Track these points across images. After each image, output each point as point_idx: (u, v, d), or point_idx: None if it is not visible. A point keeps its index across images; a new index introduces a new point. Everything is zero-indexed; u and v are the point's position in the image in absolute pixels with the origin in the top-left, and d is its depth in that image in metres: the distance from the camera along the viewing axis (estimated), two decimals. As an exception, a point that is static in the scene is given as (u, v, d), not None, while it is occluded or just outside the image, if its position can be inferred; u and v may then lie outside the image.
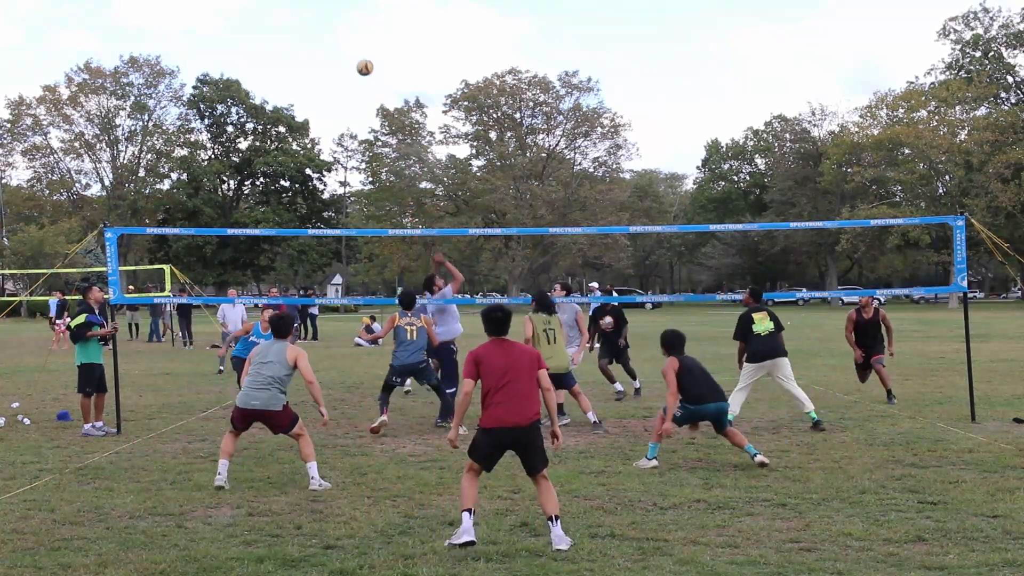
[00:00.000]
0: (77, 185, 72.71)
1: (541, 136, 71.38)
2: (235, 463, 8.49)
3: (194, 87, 72.94)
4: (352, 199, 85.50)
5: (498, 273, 72.08)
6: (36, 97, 68.88)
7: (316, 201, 77.54)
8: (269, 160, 72.50)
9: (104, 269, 12.76)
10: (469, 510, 5.77)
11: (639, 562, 5.37)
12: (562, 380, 10.32)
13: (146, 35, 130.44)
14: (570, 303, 12.11)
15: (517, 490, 7.15)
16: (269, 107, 74.74)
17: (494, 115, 70.31)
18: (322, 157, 78.57)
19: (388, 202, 72.29)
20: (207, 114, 74.10)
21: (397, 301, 11.00)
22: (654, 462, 8.13)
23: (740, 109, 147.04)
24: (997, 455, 8.34)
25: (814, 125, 77.34)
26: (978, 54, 67.58)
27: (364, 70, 11.40)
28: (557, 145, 70.92)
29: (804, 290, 67.20)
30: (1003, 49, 67.63)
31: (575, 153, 71.67)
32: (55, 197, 72.91)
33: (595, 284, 29.82)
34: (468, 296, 62.32)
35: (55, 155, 71.00)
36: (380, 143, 72.96)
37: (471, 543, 5.65)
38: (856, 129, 69.35)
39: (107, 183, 70.85)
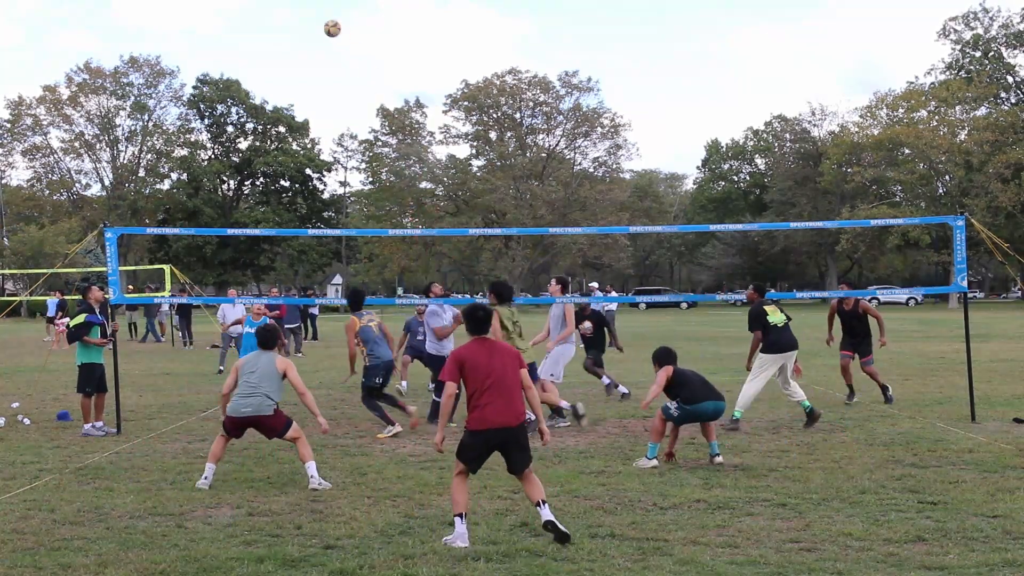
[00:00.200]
0: (77, 185, 72.82)
1: (541, 136, 71.44)
2: (235, 463, 8.51)
3: (194, 87, 73.01)
4: (352, 199, 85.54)
5: (498, 273, 71.95)
6: (36, 97, 69.04)
7: (316, 201, 77.55)
8: (269, 160, 72.51)
9: (104, 269, 12.75)
10: (461, 515, 5.78)
11: (639, 562, 5.37)
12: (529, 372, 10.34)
13: (146, 35, 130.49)
14: (554, 298, 11.75)
15: (517, 490, 7.14)
16: (269, 107, 74.78)
17: (494, 115, 70.34)
18: (322, 157, 78.61)
19: (388, 202, 72.33)
20: (207, 114, 74.11)
21: (347, 303, 10.80)
22: (654, 462, 8.14)
23: (740, 109, 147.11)
24: (997, 455, 8.34)
25: (814, 125, 77.44)
26: (978, 54, 67.59)
27: (332, 31, 11.26)
28: (557, 145, 70.95)
29: (795, 292, 67.18)
30: (1003, 49, 67.64)
31: (575, 153, 71.72)
32: (55, 197, 72.96)
33: (595, 284, 29.88)
34: (468, 296, 62.22)
35: (55, 155, 71.08)
36: (380, 143, 73.01)
37: (464, 548, 5.66)
38: (856, 129, 69.38)
39: (107, 183, 70.90)
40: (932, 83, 68.64)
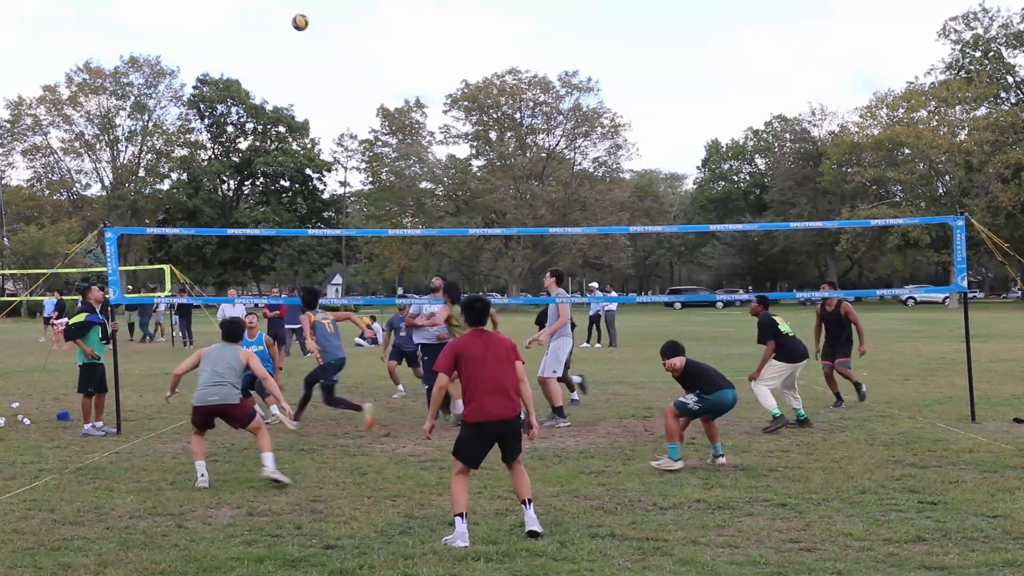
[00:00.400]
0: (77, 185, 72.89)
1: (541, 136, 71.46)
2: (235, 463, 8.51)
3: (194, 87, 73.07)
4: (352, 199, 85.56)
5: (498, 273, 72.15)
6: (36, 97, 69.10)
7: (316, 201, 77.59)
8: (269, 160, 72.53)
9: (104, 269, 12.75)
10: (462, 514, 5.79)
11: (639, 562, 5.37)
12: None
13: (146, 35, 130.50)
14: (554, 298, 11.67)
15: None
16: (269, 107, 74.81)
17: (494, 115, 70.36)
18: (322, 157, 78.67)
19: (388, 202, 72.36)
20: (207, 114, 74.14)
21: (301, 302, 10.84)
22: (680, 463, 7.88)
23: (740, 109, 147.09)
24: (997, 455, 8.34)
25: (814, 125, 77.48)
26: (978, 54, 67.61)
27: (300, 24, 11.27)
28: (557, 145, 70.96)
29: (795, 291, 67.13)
30: (1003, 49, 67.65)
31: (575, 153, 71.75)
32: (55, 197, 73.00)
33: (595, 284, 29.89)
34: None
35: (55, 155, 71.15)
36: (380, 143, 73.04)
37: (464, 548, 5.68)
38: (856, 129, 69.40)
39: (107, 183, 70.94)
40: (932, 83, 68.65)
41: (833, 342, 11.99)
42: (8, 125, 68.99)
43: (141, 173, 71.56)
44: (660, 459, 8.02)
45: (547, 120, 70.33)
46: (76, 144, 70.01)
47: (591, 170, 71.41)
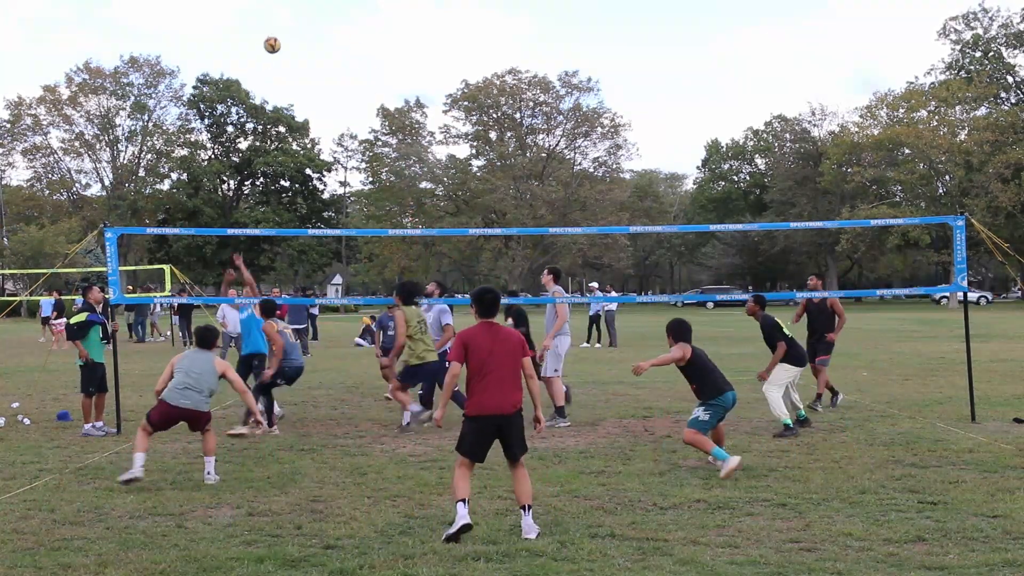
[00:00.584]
0: (77, 185, 72.83)
1: (541, 136, 71.46)
2: (235, 463, 8.51)
3: (194, 87, 73.02)
4: (352, 199, 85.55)
5: (498, 273, 72.09)
6: (36, 97, 69.05)
7: (316, 201, 77.56)
8: (269, 160, 72.52)
9: (104, 269, 12.76)
10: (463, 500, 5.88)
11: (639, 562, 5.37)
12: (437, 371, 10.51)
13: (146, 35, 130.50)
14: (554, 298, 11.64)
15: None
16: (269, 107, 74.78)
17: (494, 115, 70.37)
18: (322, 157, 78.60)
19: (388, 202, 72.36)
20: (207, 114, 74.12)
21: (261, 311, 10.91)
22: (736, 458, 7.61)
23: (740, 109, 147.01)
24: (997, 455, 8.34)
25: (814, 125, 77.44)
26: (978, 54, 67.60)
27: (272, 46, 11.23)
28: (557, 145, 70.96)
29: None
30: (1003, 49, 67.64)
31: (575, 153, 71.74)
32: (55, 197, 72.96)
33: (595, 284, 29.89)
34: (467, 297, 62.24)
35: (55, 155, 71.09)
36: (380, 143, 73.04)
37: (468, 527, 5.77)
38: (856, 129, 69.38)
39: (107, 183, 70.91)
40: (932, 83, 68.65)
41: (817, 337, 11.81)
42: (8, 125, 68.97)
43: (141, 173, 71.53)
44: (720, 468, 7.63)
45: (547, 120, 70.34)
46: (76, 144, 69.98)
47: (591, 170, 71.41)
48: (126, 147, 70.98)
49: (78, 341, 10.53)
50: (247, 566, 5.34)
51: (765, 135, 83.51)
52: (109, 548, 5.74)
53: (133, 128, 70.36)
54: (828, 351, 11.78)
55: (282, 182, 76.22)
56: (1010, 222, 60.01)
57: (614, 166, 72.55)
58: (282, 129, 76.14)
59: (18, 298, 37.97)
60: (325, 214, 78.43)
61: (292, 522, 6.35)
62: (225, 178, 75.96)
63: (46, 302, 29.70)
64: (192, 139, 74.15)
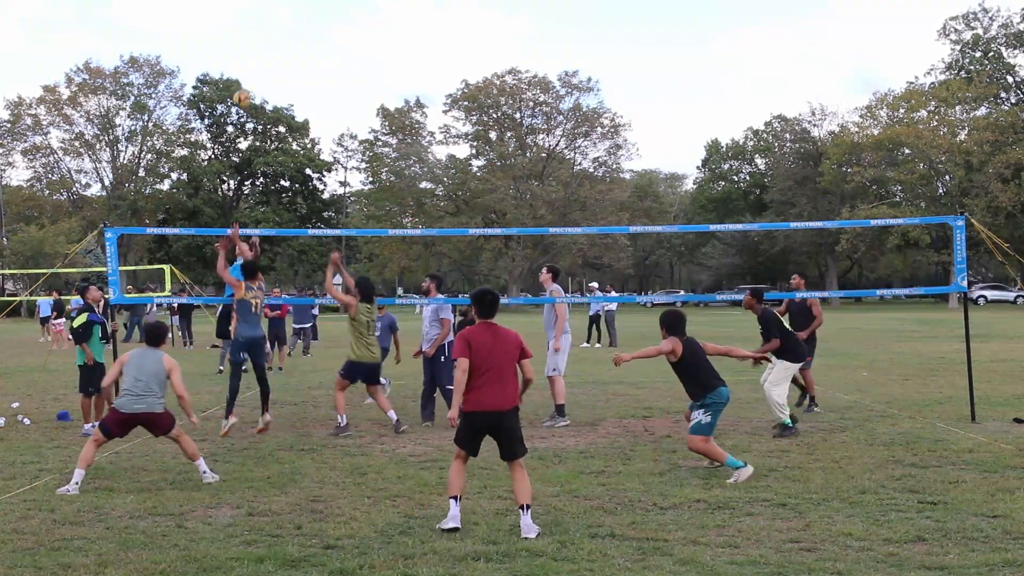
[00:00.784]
0: (77, 185, 72.80)
1: (541, 136, 71.44)
2: (235, 463, 8.51)
3: (194, 87, 73.00)
4: (352, 199, 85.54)
5: (498, 273, 72.09)
6: (36, 97, 69.02)
7: (316, 201, 77.55)
8: (269, 160, 72.51)
9: (104, 269, 12.76)
10: (455, 497, 6.05)
11: (639, 562, 5.37)
12: (374, 371, 10.63)
13: (146, 35, 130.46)
14: (553, 297, 11.43)
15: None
16: (269, 107, 74.74)
17: (494, 115, 70.36)
18: (322, 157, 78.58)
19: (388, 202, 72.34)
20: (207, 114, 74.11)
21: (240, 271, 10.67)
22: (748, 468, 7.46)
23: (740, 109, 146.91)
24: (997, 455, 8.34)
25: (814, 125, 77.44)
26: (978, 54, 67.61)
27: (240, 100, 11.24)
28: (557, 145, 70.95)
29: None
30: (1003, 49, 67.65)
31: (575, 153, 71.72)
32: (55, 197, 72.93)
33: (595, 284, 29.90)
34: (466, 296, 62.27)
35: (55, 155, 71.07)
36: (380, 143, 73.01)
37: (455, 529, 5.94)
38: (856, 129, 69.39)
39: (107, 183, 70.90)
40: (932, 83, 68.65)
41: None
42: (8, 125, 68.97)
43: (141, 173, 71.51)
44: (732, 476, 7.46)
45: (547, 120, 70.33)
46: (76, 144, 69.97)
47: (591, 170, 71.39)
48: (126, 147, 71.00)
49: (84, 344, 10.54)
50: (247, 566, 5.34)
51: (765, 135, 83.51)
52: (109, 548, 5.74)
53: (133, 128, 70.39)
54: (811, 351, 11.65)
55: (282, 182, 76.21)
56: (1010, 222, 60.01)
57: (614, 166, 72.54)
58: (282, 129, 76.13)
59: (18, 298, 37.97)
60: (325, 214, 78.43)
61: (292, 522, 6.35)
62: (225, 178, 75.96)
63: (44, 302, 29.69)
64: (192, 139, 74.15)
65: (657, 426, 10.55)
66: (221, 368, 17.59)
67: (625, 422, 10.92)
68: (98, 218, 63.40)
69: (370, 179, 75.66)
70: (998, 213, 59.27)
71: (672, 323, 7.94)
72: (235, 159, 75.15)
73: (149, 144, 70.65)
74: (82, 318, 10.60)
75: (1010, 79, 68.63)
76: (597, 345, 24.29)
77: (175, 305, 26.75)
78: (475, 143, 71.76)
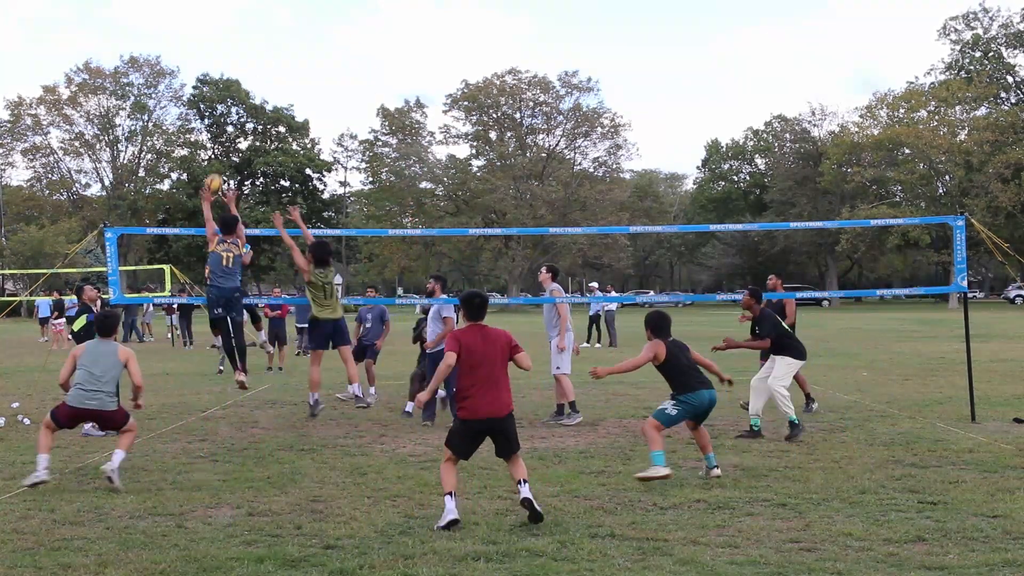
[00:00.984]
0: (77, 185, 72.85)
1: (541, 136, 71.49)
2: (235, 463, 8.50)
3: (194, 87, 73.07)
4: (352, 199, 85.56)
5: (498, 273, 72.13)
6: (36, 97, 69.07)
7: (316, 201, 77.55)
8: (269, 160, 72.53)
9: (104, 269, 12.76)
10: (451, 493, 6.12)
11: (639, 562, 5.36)
12: (339, 328, 10.66)
13: (146, 35, 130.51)
14: (553, 297, 11.37)
15: (518, 491, 7.14)
16: (269, 107, 74.80)
17: (494, 115, 70.39)
18: (322, 157, 78.62)
19: (388, 202, 72.40)
20: (207, 114, 74.15)
21: (218, 227, 10.52)
22: (667, 469, 7.32)
23: (740, 109, 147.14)
24: (997, 455, 8.34)
25: (814, 125, 77.51)
26: (978, 54, 67.65)
27: (212, 187, 11.29)
28: (557, 145, 70.98)
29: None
30: (1003, 49, 67.70)
31: (575, 153, 71.77)
32: (55, 197, 72.97)
33: (595, 284, 29.90)
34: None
35: (55, 155, 71.11)
36: (380, 143, 73.07)
37: (456, 522, 6.01)
38: (856, 129, 69.46)
39: (107, 183, 70.93)
40: (932, 83, 68.71)
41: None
42: (8, 125, 68.98)
43: (141, 173, 71.55)
44: (646, 470, 7.42)
45: (547, 120, 70.37)
46: (76, 144, 70.02)
47: (591, 170, 71.43)
48: (126, 147, 71.04)
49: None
50: (247, 566, 5.33)
51: (765, 135, 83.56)
52: (109, 548, 5.74)
53: (133, 128, 70.43)
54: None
55: (282, 182, 76.24)
56: (1010, 222, 60.04)
57: (614, 166, 72.61)
58: (282, 129, 76.18)
59: (18, 298, 37.96)
60: (325, 214, 78.42)
61: (292, 522, 6.34)
62: (225, 178, 75.99)
63: (44, 302, 29.69)
64: (192, 139, 74.21)
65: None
66: (221, 368, 17.59)
67: (625, 422, 10.91)
68: (98, 218, 63.41)
69: (370, 179, 75.72)
70: (998, 213, 59.30)
71: (657, 324, 7.79)
72: (235, 159, 75.18)
73: (149, 144, 70.69)
74: (81, 321, 10.61)
75: (1010, 79, 68.66)
76: (597, 345, 24.29)
77: (175, 305, 26.75)
78: (475, 143, 71.79)
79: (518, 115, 70.48)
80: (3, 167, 71.42)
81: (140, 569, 5.32)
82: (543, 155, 70.02)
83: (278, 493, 7.26)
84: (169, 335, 27.86)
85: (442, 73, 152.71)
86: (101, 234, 10.96)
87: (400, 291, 76.50)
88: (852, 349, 21.07)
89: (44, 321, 29.70)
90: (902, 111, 66.20)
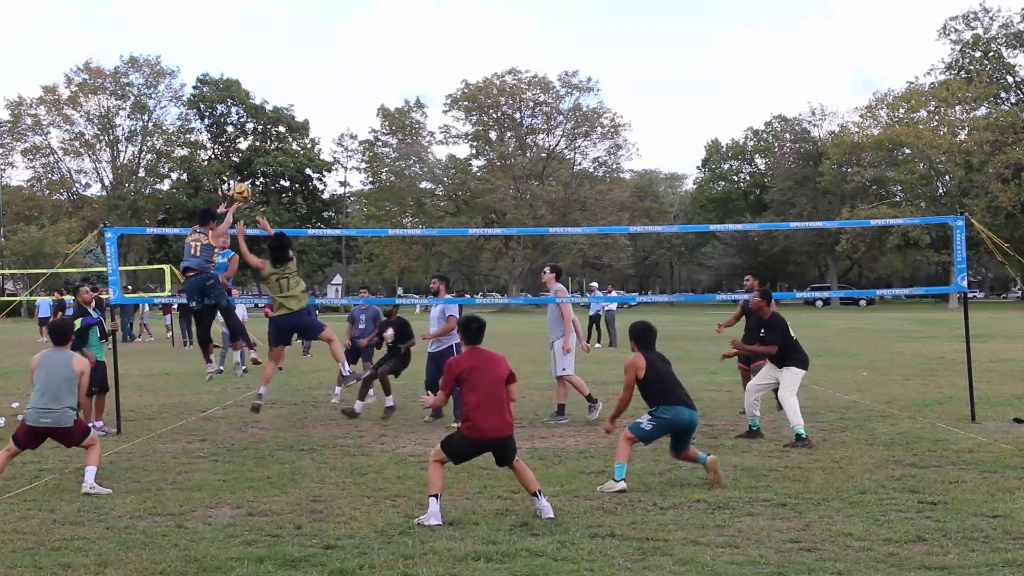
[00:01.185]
0: (77, 185, 72.81)
1: (541, 136, 71.50)
2: (235, 463, 8.50)
3: (194, 87, 73.03)
4: (352, 199, 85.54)
5: (498, 273, 72.14)
6: (36, 97, 69.02)
7: (316, 201, 77.55)
8: (269, 160, 72.51)
9: (104, 269, 12.76)
10: (436, 495, 6.25)
11: (639, 562, 5.36)
12: (300, 322, 10.58)
13: (146, 35, 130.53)
14: (557, 295, 11.38)
15: (517, 490, 7.13)
16: (269, 107, 74.77)
17: (494, 115, 70.39)
18: (322, 157, 78.58)
19: (388, 202, 72.38)
20: (207, 114, 74.12)
21: (198, 218, 10.63)
22: (622, 484, 7.13)
23: (740, 109, 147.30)
24: (997, 455, 8.34)
25: (814, 125, 77.51)
26: (978, 54, 67.65)
27: (239, 195, 11.37)
28: (557, 145, 70.98)
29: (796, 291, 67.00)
30: (1003, 49, 67.70)
31: (575, 153, 71.78)
32: (55, 197, 72.91)
33: (595, 284, 29.92)
34: (468, 296, 62.26)
35: (55, 155, 71.06)
36: (380, 143, 73.05)
37: (438, 526, 6.11)
38: (856, 129, 69.46)
39: (107, 183, 70.90)
40: (932, 83, 68.71)
41: (752, 342, 10.41)
42: (8, 125, 68.96)
43: (141, 173, 71.52)
44: (605, 484, 7.23)
45: (547, 120, 70.37)
46: (76, 144, 69.98)
47: (591, 170, 71.44)
48: (126, 147, 71.01)
49: (85, 349, 10.54)
50: (247, 566, 5.33)
51: (765, 135, 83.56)
52: (109, 548, 5.74)
53: (133, 128, 70.39)
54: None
55: (282, 182, 76.21)
56: (1010, 222, 60.05)
57: (614, 166, 72.63)
58: (282, 129, 76.14)
59: (18, 298, 37.96)
60: (325, 214, 78.43)
61: (292, 522, 6.34)
62: (225, 178, 75.93)
63: (43, 302, 29.67)
64: (192, 139, 74.17)
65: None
66: (221, 368, 17.57)
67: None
68: (98, 218, 63.39)
69: (370, 179, 75.70)
70: (998, 213, 59.30)
71: (640, 336, 7.63)
72: (235, 159, 75.15)
73: (149, 144, 70.66)
74: (76, 324, 10.60)
75: (1010, 79, 68.66)
76: (597, 345, 24.29)
77: (175, 306, 26.75)
78: (475, 143, 71.80)
79: (518, 115, 70.49)
80: (3, 167, 71.46)
81: (140, 569, 5.32)
82: (543, 155, 70.02)
83: (278, 493, 7.26)
84: (169, 335, 27.85)
85: (442, 73, 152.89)
86: (101, 234, 10.97)
87: (400, 291, 76.47)
88: (852, 349, 21.06)
89: (44, 321, 29.66)
90: (902, 111, 66.20)
